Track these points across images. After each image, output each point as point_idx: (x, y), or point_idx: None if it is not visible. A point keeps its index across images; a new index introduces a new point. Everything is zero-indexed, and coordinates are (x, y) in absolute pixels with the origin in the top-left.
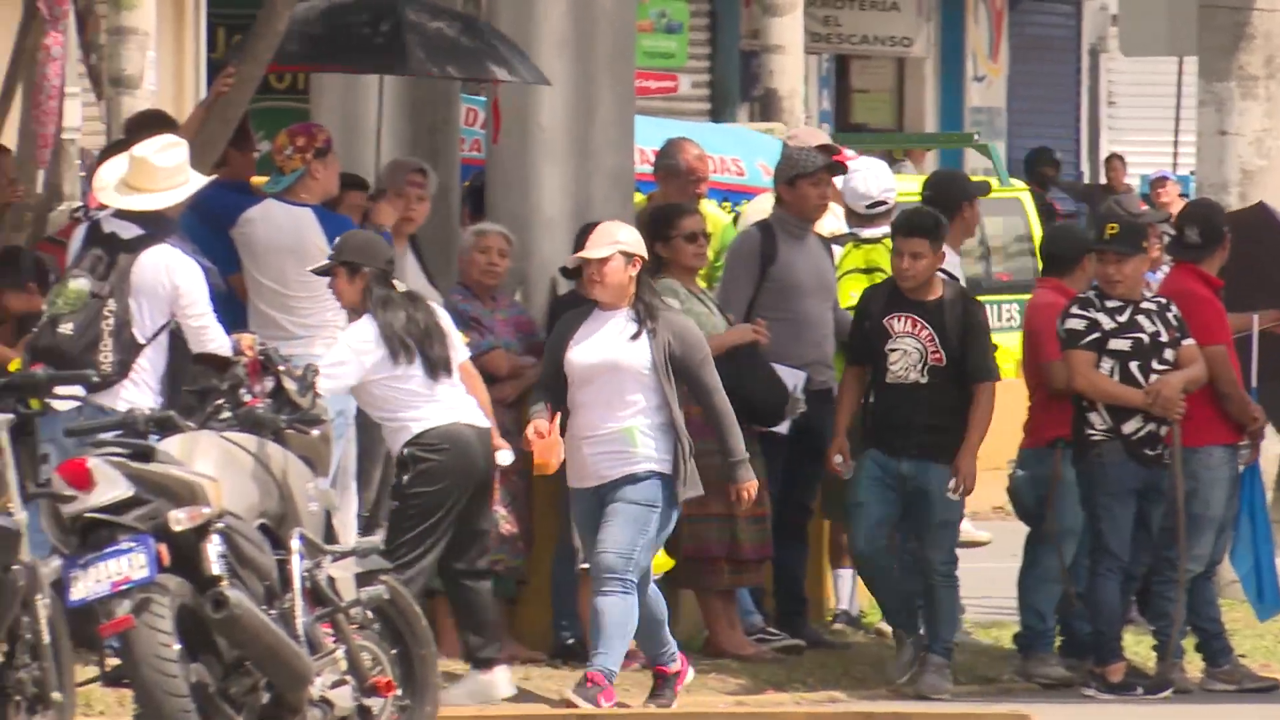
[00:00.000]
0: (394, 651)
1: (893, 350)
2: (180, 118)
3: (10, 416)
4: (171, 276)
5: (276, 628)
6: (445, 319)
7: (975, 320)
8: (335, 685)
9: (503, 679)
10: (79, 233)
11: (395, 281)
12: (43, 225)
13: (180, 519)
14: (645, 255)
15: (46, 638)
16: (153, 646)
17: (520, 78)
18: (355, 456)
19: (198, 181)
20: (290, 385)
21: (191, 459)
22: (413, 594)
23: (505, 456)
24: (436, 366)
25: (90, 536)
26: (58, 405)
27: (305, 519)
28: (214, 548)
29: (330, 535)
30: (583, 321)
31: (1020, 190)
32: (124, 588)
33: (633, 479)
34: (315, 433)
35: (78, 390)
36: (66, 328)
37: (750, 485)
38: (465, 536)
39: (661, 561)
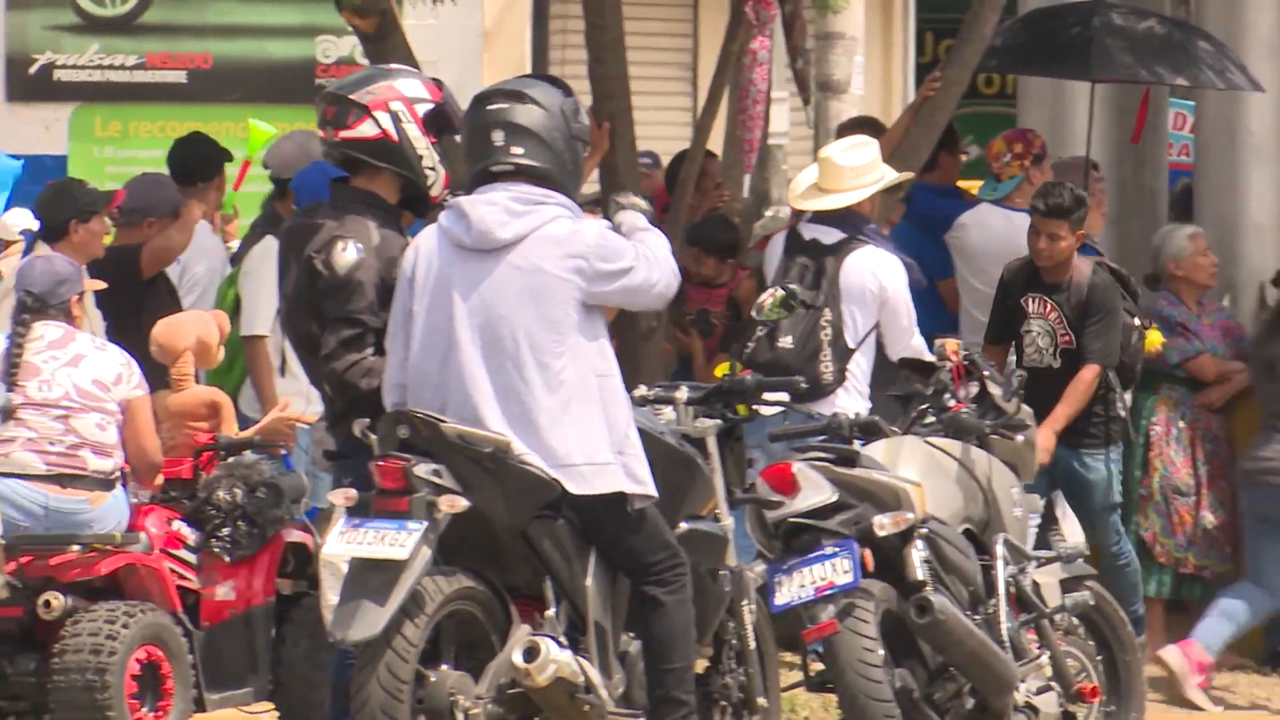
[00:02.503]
0: (1099, 657)
1: (1027, 332)
2: (887, 122)
3: (718, 422)
4: (879, 278)
5: (981, 633)
6: None
7: (1097, 300)
8: (1040, 691)
9: None
10: (776, 241)
11: None
12: (748, 230)
13: (884, 524)
14: None
15: (752, 643)
16: (857, 652)
17: (1229, 85)
18: None
19: (889, 177)
20: (995, 390)
21: (895, 464)
22: None
23: None
24: None
25: (794, 541)
26: (765, 411)
27: (1010, 524)
28: (918, 553)
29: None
30: None
31: None
32: (828, 593)
33: None
34: (1019, 438)
35: (783, 396)
36: (786, 341)
37: None
38: None
39: None
